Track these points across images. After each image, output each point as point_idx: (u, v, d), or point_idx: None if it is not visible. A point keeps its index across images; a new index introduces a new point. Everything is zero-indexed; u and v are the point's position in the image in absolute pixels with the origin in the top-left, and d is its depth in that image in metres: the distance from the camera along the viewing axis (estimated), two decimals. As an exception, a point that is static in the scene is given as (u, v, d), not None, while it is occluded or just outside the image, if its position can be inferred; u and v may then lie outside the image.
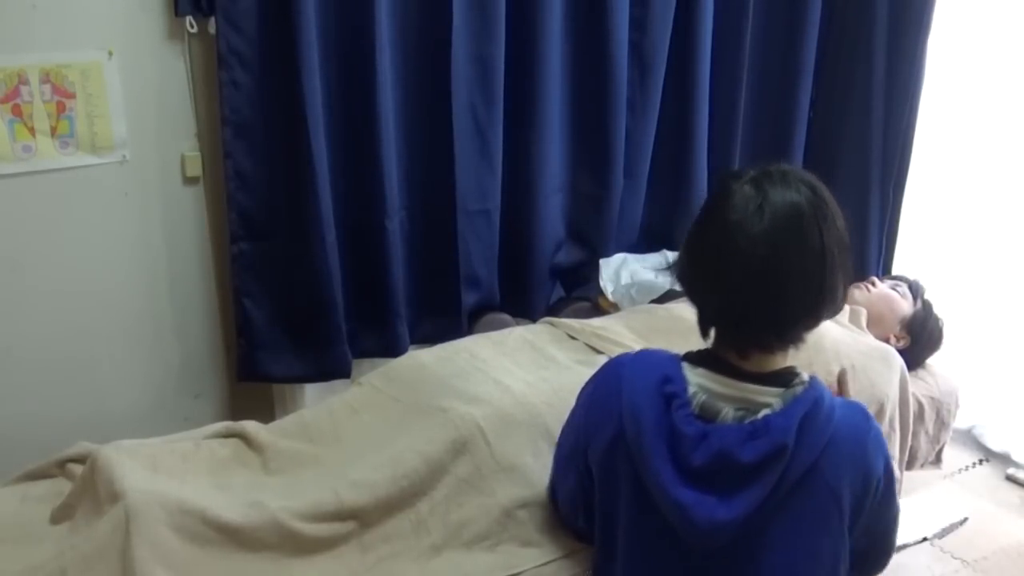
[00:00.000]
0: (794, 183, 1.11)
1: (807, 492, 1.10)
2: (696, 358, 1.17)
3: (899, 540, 1.30)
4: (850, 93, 2.50)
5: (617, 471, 1.19)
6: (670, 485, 1.11)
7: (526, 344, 1.84)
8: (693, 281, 1.16)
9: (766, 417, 1.09)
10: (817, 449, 1.09)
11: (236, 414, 2.10)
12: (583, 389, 1.32)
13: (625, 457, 1.17)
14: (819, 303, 1.11)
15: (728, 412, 1.11)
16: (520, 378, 1.66)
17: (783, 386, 1.12)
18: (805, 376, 1.15)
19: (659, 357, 1.21)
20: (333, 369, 2.04)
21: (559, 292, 2.38)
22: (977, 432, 2.80)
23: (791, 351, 1.15)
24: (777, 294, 1.08)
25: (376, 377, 1.76)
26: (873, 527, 1.18)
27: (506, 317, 2.26)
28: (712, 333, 1.16)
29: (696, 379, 1.15)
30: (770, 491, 1.08)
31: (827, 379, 1.27)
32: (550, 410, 1.57)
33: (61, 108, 1.77)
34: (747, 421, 1.10)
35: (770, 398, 1.11)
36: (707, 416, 1.12)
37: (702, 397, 1.13)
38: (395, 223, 2.04)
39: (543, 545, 1.46)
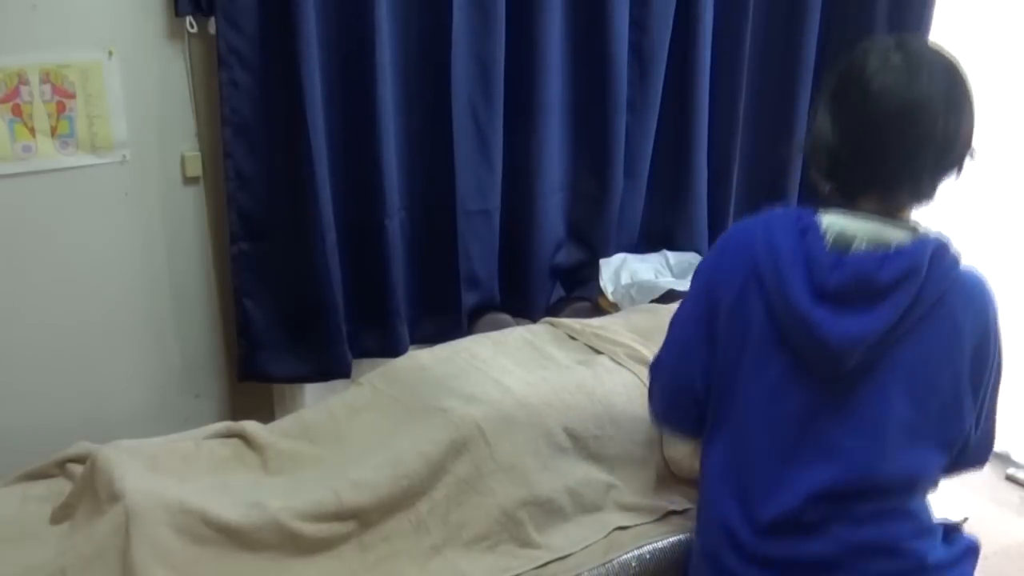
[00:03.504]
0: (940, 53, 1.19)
1: (934, 323, 1.17)
2: (828, 205, 1.23)
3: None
4: (850, 93, 2.50)
5: (748, 314, 1.23)
6: (805, 306, 1.16)
7: (526, 344, 1.84)
8: (835, 120, 1.19)
9: (899, 245, 1.16)
10: (945, 282, 1.16)
11: (236, 414, 2.10)
12: (702, 261, 1.37)
13: (757, 296, 1.22)
14: (952, 160, 1.19)
15: (861, 243, 1.16)
16: (520, 378, 1.66)
17: (912, 229, 1.19)
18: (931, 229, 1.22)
19: (791, 208, 1.28)
20: (333, 369, 2.04)
21: (559, 292, 2.38)
22: (977, 432, 2.80)
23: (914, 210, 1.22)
24: (924, 139, 1.15)
25: (376, 377, 1.76)
26: (984, 402, 1.26)
27: (506, 317, 2.26)
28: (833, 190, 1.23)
29: (829, 219, 1.19)
30: (902, 314, 1.14)
31: None
32: (550, 410, 1.57)
33: (61, 108, 1.77)
34: (879, 252, 1.16)
35: (900, 235, 1.17)
36: (840, 246, 1.17)
37: (836, 229, 1.18)
38: (395, 223, 2.04)
39: (542, 546, 1.46)
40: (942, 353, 1.18)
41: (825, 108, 1.21)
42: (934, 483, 1.27)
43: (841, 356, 1.15)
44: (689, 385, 1.31)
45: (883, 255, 1.14)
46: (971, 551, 1.32)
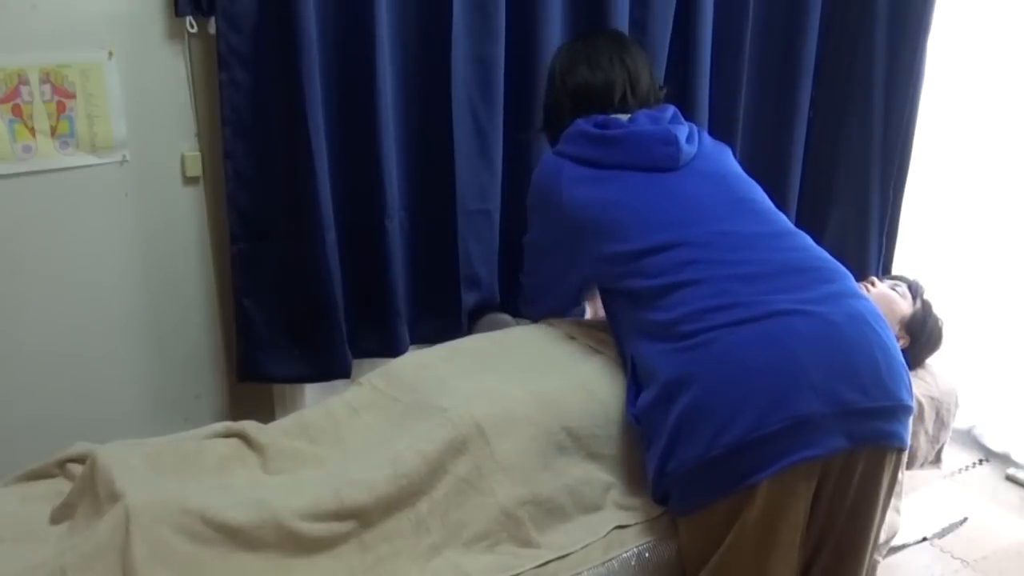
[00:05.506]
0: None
1: (710, 146, 1.73)
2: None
3: (899, 540, 1.31)
4: (850, 93, 2.50)
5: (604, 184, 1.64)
6: (630, 128, 1.66)
7: (526, 344, 1.84)
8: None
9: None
10: (694, 123, 1.74)
11: (236, 414, 2.10)
12: (534, 193, 1.77)
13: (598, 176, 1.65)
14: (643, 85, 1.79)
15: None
16: (520, 378, 1.66)
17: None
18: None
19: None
20: (333, 369, 2.04)
21: (559, 292, 2.37)
22: (977, 432, 2.80)
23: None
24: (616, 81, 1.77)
25: (376, 377, 1.76)
26: None
27: (506, 317, 2.26)
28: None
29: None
30: (687, 133, 1.66)
31: None
32: (550, 409, 1.57)
33: (61, 108, 1.77)
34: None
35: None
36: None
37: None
38: (395, 223, 2.04)
39: (542, 545, 1.46)
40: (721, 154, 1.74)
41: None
42: None
43: (676, 149, 1.61)
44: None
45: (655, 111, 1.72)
46: None
